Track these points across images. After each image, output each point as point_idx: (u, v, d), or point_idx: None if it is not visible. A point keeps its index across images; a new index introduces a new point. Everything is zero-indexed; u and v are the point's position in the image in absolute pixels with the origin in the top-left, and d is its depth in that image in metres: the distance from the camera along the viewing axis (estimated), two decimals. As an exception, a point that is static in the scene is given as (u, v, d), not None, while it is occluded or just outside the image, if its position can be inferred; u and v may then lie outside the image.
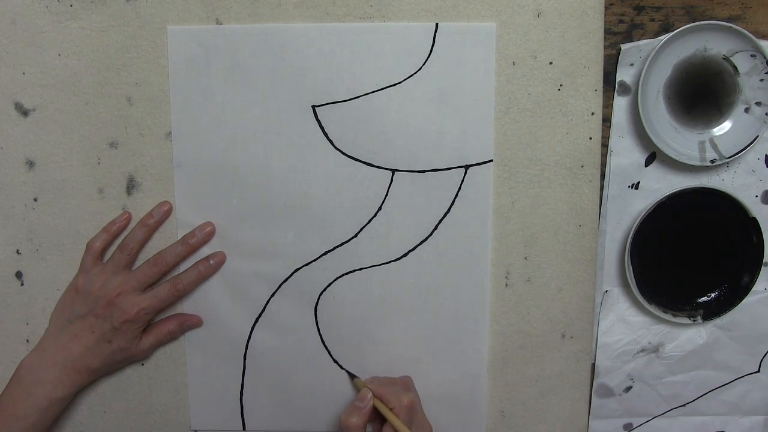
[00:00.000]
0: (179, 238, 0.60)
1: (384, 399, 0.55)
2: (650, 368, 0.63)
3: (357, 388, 0.60)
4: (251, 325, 0.61)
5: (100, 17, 0.58)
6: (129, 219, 0.60)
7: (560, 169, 0.59)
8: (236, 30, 0.58)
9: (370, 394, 0.55)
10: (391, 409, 0.54)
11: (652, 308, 0.60)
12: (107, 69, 0.59)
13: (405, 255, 0.60)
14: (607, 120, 0.59)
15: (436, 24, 0.57)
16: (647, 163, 0.60)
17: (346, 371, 0.61)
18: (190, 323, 0.61)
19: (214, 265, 0.60)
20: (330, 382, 0.62)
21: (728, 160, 0.58)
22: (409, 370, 0.62)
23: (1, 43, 0.58)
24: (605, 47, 0.58)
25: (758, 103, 0.58)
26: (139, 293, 0.57)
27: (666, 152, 0.57)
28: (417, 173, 0.59)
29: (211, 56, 0.58)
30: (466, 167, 0.59)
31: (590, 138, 0.59)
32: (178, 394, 0.63)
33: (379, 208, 0.60)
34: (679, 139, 0.59)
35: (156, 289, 0.58)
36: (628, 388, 0.63)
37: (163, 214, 0.59)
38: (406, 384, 0.58)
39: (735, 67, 0.57)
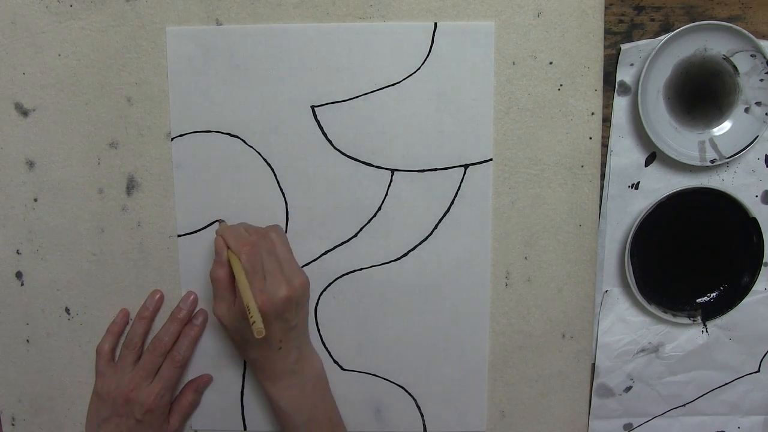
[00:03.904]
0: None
1: (230, 246, 0.54)
2: (650, 368, 0.63)
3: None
4: (251, 325, 0.61)
5: (100, 17, 0.58)
6: (127, 314, 0.61)
7: (560, 169, 0.59)
8: (236, 30, 0.58)
9: (222, 243, 0.54)
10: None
11: (652, 308, 0.60)
12: (107, 69, 0.59)
13: (405, 255, 0.60)
14: (607, 120, 0.59)
15: (435, 23, 0.57)
16: (647, 163, 0.60)
17: (219, 221, 0.60)
18: (204, 384, 0.62)
19: (201, 323, 0.61)
20: (330, 382, 0.62)
21: (728, 160, 0.58)
22: (409, 370, 0.62)
23: (1, 43, 0.58)
24: (605, 47, 0.58)
25: (758, 103, 0.58)
26: (150, 381, 0.58)
27: (666, 152, 0.57)
28: (416, 173, 0.59)
29: (211, 56, 0.58)
30: (466, 166, 0.59)
31: (590, 138, 0.59)
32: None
33: (379, 208, 0.60)
34: (679, 139, 0.59)
35: (160, 371, 0.59)
36: (628, 388, 0.63)
37: (156, 302, 0.61)
38: (260, 232, 0.56)
39: (735, 67, 0.57)
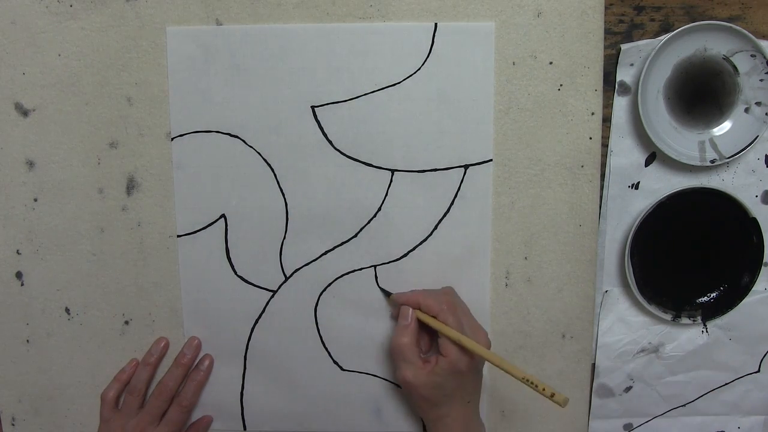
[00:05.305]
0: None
1: (424, 308, 0.55)
2: (650, 368, 0.63)
3: (395, 306, 0.59)
4: (251, 326, 0.61)
5: (100, 17, 0.58)
6: (137, 365, 0.61)
7: (560, 169, 0.59)
8: (236, 30, 0.58)
9: (411, 310, 0.55)
10: (435, 317, 0.54)
11: (652, 308, 0.60)
12: (107, 69, 0.59)
13: (405, 255, 0.60)
14: (607, 120, 0.59)
15: (436, 24, 0.57)
16: (647, 163, 0.60)
17: (381, 289, 0.61)
18: (205, 425, 0.63)
19: (207, 368, 0.61)
20: (330, 382, 0.62)
21: (728, 160, 0.58)
22: (409, 370, 0.62)
23: (1, 43, 0.58)
24: (605, 47, 0.58)
25: (758, 103, 0.58)
26: (156, 425, 0.59)
27: (666, 152, 0.57)
28: (417, 173, 0.59)
29: (211, 56, 0.58)
30: (466, 167, 0.59)
31: (590, 138, 0.59)
32: (178, 394, 0.63)
33: (379, 209, 0.60)
34: (679, 139, 0.59)
35: (167, 415, 0.59)
36: (628, 388, 0.63)
37: (161, 350, 0.61)
38: (444, 291, 0.58)
39: (735, 67, 0.57)
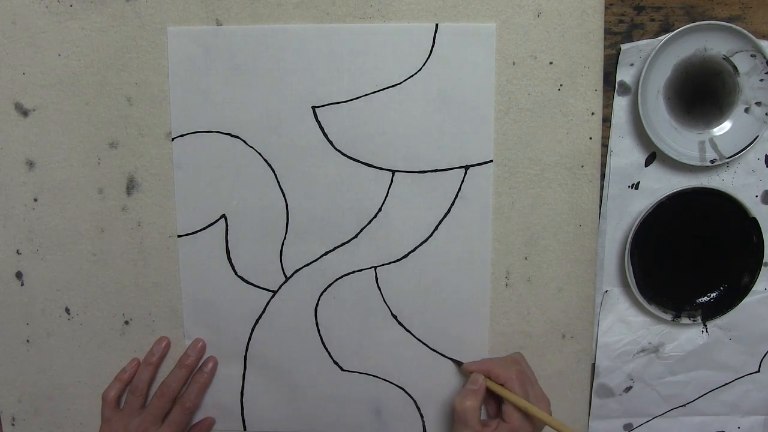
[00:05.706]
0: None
1: (493, 376, 0.56)
2: (650, 368, 0.63)
3: (466, 374, 0.60)
4: (252, 326, 0.61)
5: (100, 17, 0.58)
6: (138, 364, 0.61)
7: (560, 169, 0.59)
8: (236, 30, 0.58)
9: (482, 377, 0.56)
10: (502, 385, 0.55)
11: (652, 308, 0.60)
12: (107, 69, 0.59)
13: (405, 256, 0.60)
14: (607, 120, 0.59)
15: (436, 25, 0.57)
16: (647, 163, 0.60)
17: (452, 360, 0.61)
18: (207, 427, 0.63)
19: (210, 370, 0.62)
20: (330, 383, 0.62)
21: (728, 160, 0.58)
22: (409, 371, 0.62)
23: (1, 43, 0.58)
24: (605, 47, 0.58)
25: (758, 103, 0.58)
26: (159, 426, 0.59)
27: (666, 152, 0.57)
28: (417, 174, 0.59)
29: (211, 57, 0.58)
30: (467, 168, 0.59)
31: (590, 138, 0.59)
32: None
33: (380, 209, 0.60)
34: (679, 139, 0.59)
35: (170, 416, 0.59)
36: (628, 388, 0.63)
37: (163, 350, 0.61)
38: (514, 359, 0.58)
39: (735, 67, 0.57)
